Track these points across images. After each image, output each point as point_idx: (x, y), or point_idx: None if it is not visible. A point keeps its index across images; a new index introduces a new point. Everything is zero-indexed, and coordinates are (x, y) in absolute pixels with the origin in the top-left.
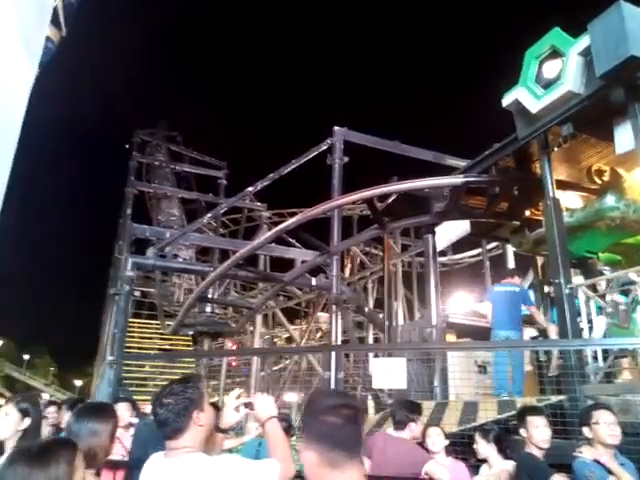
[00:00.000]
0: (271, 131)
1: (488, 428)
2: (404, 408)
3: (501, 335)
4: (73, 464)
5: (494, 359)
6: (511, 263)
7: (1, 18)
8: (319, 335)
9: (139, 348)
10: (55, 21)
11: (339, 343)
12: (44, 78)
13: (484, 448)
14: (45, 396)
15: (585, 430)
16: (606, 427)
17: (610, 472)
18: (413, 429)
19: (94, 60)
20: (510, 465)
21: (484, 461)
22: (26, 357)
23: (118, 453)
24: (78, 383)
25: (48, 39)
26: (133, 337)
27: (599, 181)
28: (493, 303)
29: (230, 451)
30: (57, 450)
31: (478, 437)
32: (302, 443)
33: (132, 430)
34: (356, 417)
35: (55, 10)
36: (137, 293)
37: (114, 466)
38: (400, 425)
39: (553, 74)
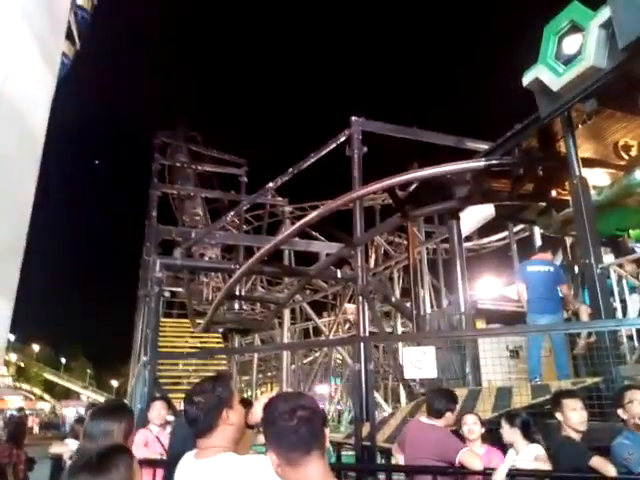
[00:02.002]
0: (289, 125)
1: (514, 413)
2: (442, 397)
3: (539, 321)
4: (132, 468)
5: (527, 343)
6: (539, 245)
7: (20, 31)
8: (347, 327)
9: (172, 347)
10: (69, 36)
11: (367, 334)
12: (64, 88)
13: (508, 433)
14: (83, 398)
15: (620, 412)
16: (639, 405)
17: None
18: (449, 418)
19: (113, 66)
20: (540, 450)
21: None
22: (63, 361)
23: (157, 452)
24: (114, 384)
25: (63, 54)
26: (165, 336)
27: (626, 156)
28: (529, 285)
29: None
30: (116, 456)
31: (503, 422)
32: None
33: (169, 428)
34: (311, 416)
35: (69, 25)
36: (167, 293)
37: (153, 465)
38: (438, 414)
39: (574, 50)
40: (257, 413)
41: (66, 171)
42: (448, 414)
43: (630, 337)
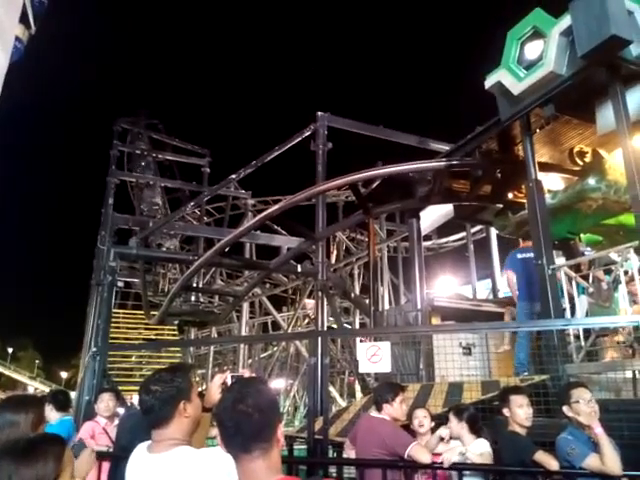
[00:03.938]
0: (254, 117)
1: (463, 407)
2: (380, 389)
3: (532, 308)
4: (61, 460)
5: (519, 338)
6: (495, 246)
7: None
8: (306, 322)
9: (125, 338)
10: (24, 19)
11: (325, 329)
12: (18, 73)
13: (456, 427)
14: (30, 389)
15: (565, 409)
16: (585, 404)
17: (594, 447)
18: (387, 410)
19: (72, 49)
20: (487, 446)
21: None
22: (10, 350)
23: (104, 444)
24: (64, 375)
25: (17, 39)
26: (119, 328)
27: (581, 162)
28: (520, 272)
29: None
30: (45, 446)
31: (451, 416)
32: None
33: (117, 421)
34: (251, 413)
35: (24, 8)
36: (121, 284)
37: (99, 457)
38: (377, 405)
39: (535, 55)
40: (212, 396)
41: (21, 156)
42: (386, 407)
43: (577, 337)
